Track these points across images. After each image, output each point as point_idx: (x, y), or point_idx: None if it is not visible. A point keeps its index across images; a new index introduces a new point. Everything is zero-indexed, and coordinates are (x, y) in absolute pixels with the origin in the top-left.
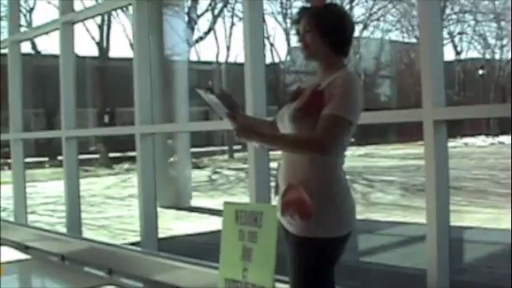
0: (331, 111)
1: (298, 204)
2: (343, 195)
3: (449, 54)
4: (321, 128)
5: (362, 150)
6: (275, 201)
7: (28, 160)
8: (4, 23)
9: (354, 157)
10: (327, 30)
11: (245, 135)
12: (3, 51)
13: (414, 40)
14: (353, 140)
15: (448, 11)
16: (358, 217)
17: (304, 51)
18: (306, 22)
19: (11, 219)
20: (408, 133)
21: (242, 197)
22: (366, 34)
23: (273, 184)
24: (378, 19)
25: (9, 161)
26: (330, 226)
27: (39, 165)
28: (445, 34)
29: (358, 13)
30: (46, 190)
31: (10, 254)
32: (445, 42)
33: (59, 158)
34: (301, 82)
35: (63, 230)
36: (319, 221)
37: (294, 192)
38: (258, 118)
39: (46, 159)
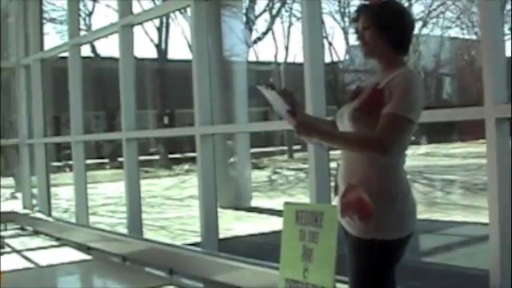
0: (391, 110)
1: (357, 205)
2: (404, 196)
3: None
4: (381, 127)
5: (423, 148)
6: (335, 201)
7: (89, 162)
8: (64, 27)
9: (415, 156)
10: (386, 27)
11: (305, 133)
12: (64, 54)
13: (474, 37)
14: (413, 139)
15: (509, 7)
16: (419, 217)
17: (363, 49)
18: (364, 20)
19: (73, 220)
20: (469, 131)
21: (302, 197)
22: (425, 31)
23: (332, 184)
24: (437, 16)
25: (70, 162)
26: (390, 228)
27: (100, 166)
28: (506, 29)
29: (417, 10)
30: (107, 191)
31: (72, 255)
32: (506, 38)
33: (119, 159)
34: (360, 81)
35: (124, 230)
36: (379, 222)
37: (354, 192)
38: (318, 117)
39: (106, 161)
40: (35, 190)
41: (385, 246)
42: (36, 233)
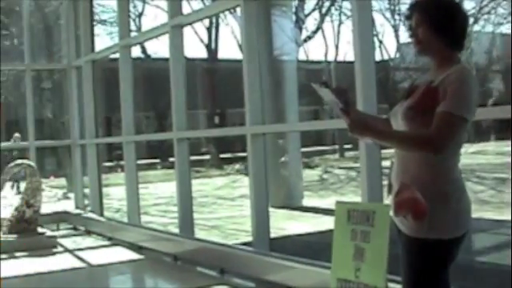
0: (446, 109)
1: (411, 204)
2: (459, 195)
3: None
4: (435, 126)
5: (475, 147)
6: (388, 200)
7: (140, 162)
8: (114, 28)
9: (467, 154)
10: (439, 24)
11: (358, 131)
12: (114, 56)
13: None
14: (465, 137)
15: None
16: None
17: (416, 47)
18: (417, 17)
19: (125, 220)
20: None
21: (353, 196)
22: (476, 27)
23: (385, 183)
24: (488, 12)
25: (121, 163)
26: (444, 227)
27: (151, 166)
28: None
29: (468, 6)
30: (158, 191)
31: (124, 254)
32: None
33: (171, 159)
34: (411, 79)
35: (175, 230)
36: (433, 221)
37: (408, 192)
38: (372, 115)
39: (157, 161)
40: (87, 190)
41: (439, 245)
42: (88, 232)
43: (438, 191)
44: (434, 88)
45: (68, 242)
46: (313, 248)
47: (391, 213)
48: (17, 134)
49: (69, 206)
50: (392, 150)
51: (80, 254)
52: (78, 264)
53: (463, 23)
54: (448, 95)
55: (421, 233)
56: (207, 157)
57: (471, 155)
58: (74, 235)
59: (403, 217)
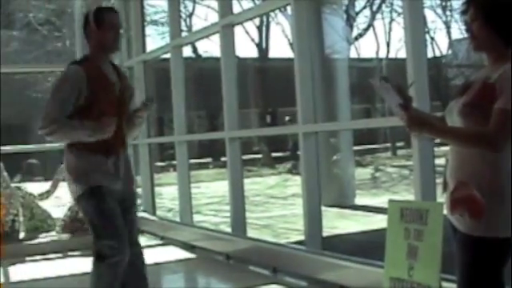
0: (502, 106)
1: (468, 202)
2: None
3: None
4: (493, 123)
5: None
6: (442, 198)
7: (192, 161)
8: (165, 29)
9: None
10: (495, 19)
11: (416, 127)
12: (166, 56)
13: None
14: None
15: None
16: None
17: (472, 42)
18: (472, 12)
19: (177, 219)
20: None
21: (405, 194)
22: None
23: (439, 181)
24: None
25: (173, 162)
26: (502, 226)
27: (203, 166)
28: None
29: None
30: (210, 190)
31: (177, 253)
32: None
33: (223, 158)
34: (464, 76)
35: (228, 229)
36: (490, 219)
37: (465, 189)
38: (428, 114)
39: (209, 160)
40: (140, 190)
41: (496, 243)
42: (141, 232)
43: (495, 188)
44: (491, 84)
45: None
46: (365, 247)
47: (446, 211)
48: None
49: None
50: (446, 148)
51: None
52: None
53: None
54: (505, 92)
55: (478, 231)
56: (259, 156)
57: None
58: None
59: (460, 215)
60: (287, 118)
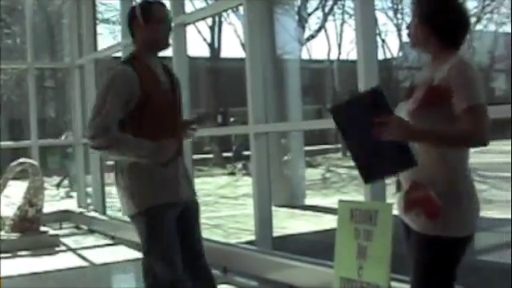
0: (471, 102)
1: (425, 203)
2: (472, 193)
3: None
4: (472, 121)
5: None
6: (394, 198)
7: None
8: (117, 27)
9: (469, 153)
10: (428, 17)
11: (400, 131)
12: (117, 54)
13: None
14: None
15: None
16: None
17: (410, 40)
18: (412, 10)
19: (127, 219)
20: None
21: (355, 195)
22: (479, 27)
23: (388, 181)
24: (491, 12)
25: None
26: (457, 226)
27: None
28: None
29: (470, 6)
30: None
31: (127, 253)
32: None
33: None
34: (413, 77)
35: None
36: (446, 219)
37: (421, 190)
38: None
39: None
40: (90, 189)
41: (452, 243)
42: (91, 231)
43: (453, 189)
44: (437, 87)
45: (70, 241)
46: (316, 247)
47: (398, 211)
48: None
49: (71, 204)
50: None
51: (83, 252)
52: (81, 263)
53: (457, 17)
54: (461, 90)
55: (433, 230)
56: (210, 156)
57: (473, 154)
58: (77, 234)
59: (415, 215)
60: (232, 119)
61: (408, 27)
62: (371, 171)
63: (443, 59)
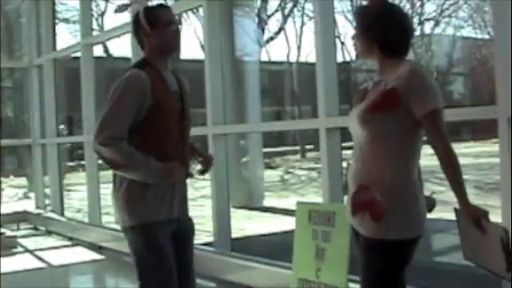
0: (431, 107)
1: (369, 205)
2: (417, 196)
3: None
4: (436, 130)
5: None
6: (344, 201)
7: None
8: (77, 27)
9: (427, 155)
10: (371, 29)
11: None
12: (76, 54)
13: (486, 36)
14: (424, 139)
15: None
16: (432, 216)
17: (356, 50)
18: (355, 21)
19: (86, 220)
20: (482, 130)
21: (314, 197)
22: (437, 30)
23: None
24: (449, 15)
25: (82, 163)
26: (402, 228)
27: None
28: None
29: (429, 9)
30: None
31: (85, 255)
32: None
33: None
34: (372, 81)
35: None
36: (391, 222)
37: (366, 193)
38: None
39: None
40: (48, 190)
41: (397, 245)
42: (49, 232)
43: (398, 192)
44: (392, 90)
45: (28, 242)
46: (274, 248)
47: (347, 214)
48: None
49: (29, 205)
50: (350, 152)
51: (40, 254)
52: (39, 264)
53: (396, 27)
54: (418, 96)
55: (379, 233)
56: None
57: (431, 156)
58: (35, 235)
59: (361, 218)
60: None
61: (353, 38)
62: None
63: (392, 66)
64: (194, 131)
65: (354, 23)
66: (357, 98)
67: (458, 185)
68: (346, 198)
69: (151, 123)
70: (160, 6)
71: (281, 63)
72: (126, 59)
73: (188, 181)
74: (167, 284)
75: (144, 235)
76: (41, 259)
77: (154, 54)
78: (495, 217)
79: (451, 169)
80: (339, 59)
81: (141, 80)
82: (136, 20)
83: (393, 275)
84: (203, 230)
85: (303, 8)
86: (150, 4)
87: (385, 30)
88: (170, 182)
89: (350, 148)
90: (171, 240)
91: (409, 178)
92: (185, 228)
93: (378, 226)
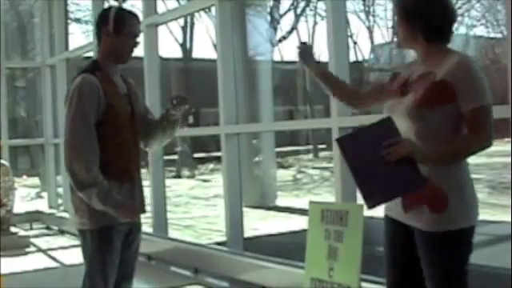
0: (478, 104)
1: (429, 196)
2: (471, 182)
3: None
4: (479, 124)
5: None
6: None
7: None
8: (89, 27)
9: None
10: (413, 15)
11: (409, 153)
12: (89, 54)
13: (499, 35)
14: None
15: None
16: None
17: (396, 39)
18: (394, 9)
19: None
20: (495, 130)
21: (327, 196)
22: None
23: None
24: (461, 15)
25: None
26: (464, 215)
27: None
28: None
29: None
30: None
31: None
32: None
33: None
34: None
35: (149, 229)
36: (453, 211)
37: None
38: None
39: None
40: (61, 190)
41: (462, 234)
42: (61, 232)
43: (455, 179)
44: (443, 82)
45: (41, 242)
46: (287, 248)
47: (387, 211)
48: None
49: (42, 205)
50: None
51: (53, 253)
52: (51, 264)
53: (441, 11)
54: (467, 89)
55: (443, 225)
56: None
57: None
58: (47, 235)
59: (418, 210)
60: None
61: (394, 26)
62: (378, 195)
63: (437, 55)
64: (207, 131)
65: (395, 10)
66: (398, 88)
67: (443, 155)
68: None
69: (105, 126)
70: (131, 13)
71: (293, 63)
72: (139, 58)
73: (195, 181)
74: (111, 284)
75: (101, 238)
76: (53, 259)
77: (107, 57)
78: (506, 216)
79: (463, 148)
80: (351, 59)
81: (92, 86)
82: (104, 17)
83: (467, 265)
84: (216, 230)
85: (315, 7)
86: (123, 7)
87: (429, 15)
88: (122, 219)
89: None
90: (123, 239)
91: (464, 164)
92: (134, 224)
93: (439, 217)
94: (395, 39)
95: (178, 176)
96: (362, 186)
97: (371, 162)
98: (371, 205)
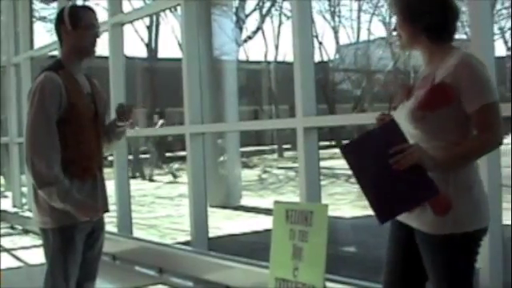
0: (482, 102)
1: (432, 199)
2: (480, 183)
3: (500, 50)
4: (487, 123)
5: None
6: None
7: None
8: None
9: None
10: (416, 14)
11: (419, 158)
12: (54, 53)
13: (464, 36)
14: None
15: (499, 6)
16: None
17: (399, 42)
18: (394, 10)
19: None
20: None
21: (292, 196)
22: None
23: (324, 182)
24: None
25: None
26: (470, 218)
27: None
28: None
29: None
30: None
31: None
32: (496, 37)
33: (110, 158)
34: (350, 81)
35: (114, 229)
36: (458, 213)
37: None
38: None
39: None
40: (25, 189)
41: (467, 238)
42: (25, 232)
43: (462, 180)
44: (444, 84)
45: (5, 241)
46: (251, 248)
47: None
48: None
49: (6, 204)
50: (330, 151)
51: (17, 253)
52: (15, 263)
53: (443, 9)
54: (470, 89)
55: (445, 228)
56: (147, 156)
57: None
58: (11, 234)
59: (421, 211)
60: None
61: (395, 29)
62: (389, 209)
63: (441, 55)
64: (172, 130)
65: (395, 12)
66: (403, 94)
67: (453, 159)
68: None
69: (67, 124)
70: (85, 7)
71: (259, 62)
72: (103, 57)
73: (165, 180)
74: (68, 285)
75: (63, 237)
76: (17, 258)
77: (70, 55)
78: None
79: (476, 147)
80: (317, 59)
81: (54, 84)
82: (60, 16)
83: (473, 268)
84: (180, 229)
85: (281, 7)
86: (76, 3)
87: (432, 14)
88: (82, 218)
89: (326, 147)
90: (85, 238)
91: (472, 164)
92: (97, 224)
93: (444, 220)
94: (397, 42)
95: (142, 176)
96: (371, 200)
97: (378, 172)
98: (383, 220)
